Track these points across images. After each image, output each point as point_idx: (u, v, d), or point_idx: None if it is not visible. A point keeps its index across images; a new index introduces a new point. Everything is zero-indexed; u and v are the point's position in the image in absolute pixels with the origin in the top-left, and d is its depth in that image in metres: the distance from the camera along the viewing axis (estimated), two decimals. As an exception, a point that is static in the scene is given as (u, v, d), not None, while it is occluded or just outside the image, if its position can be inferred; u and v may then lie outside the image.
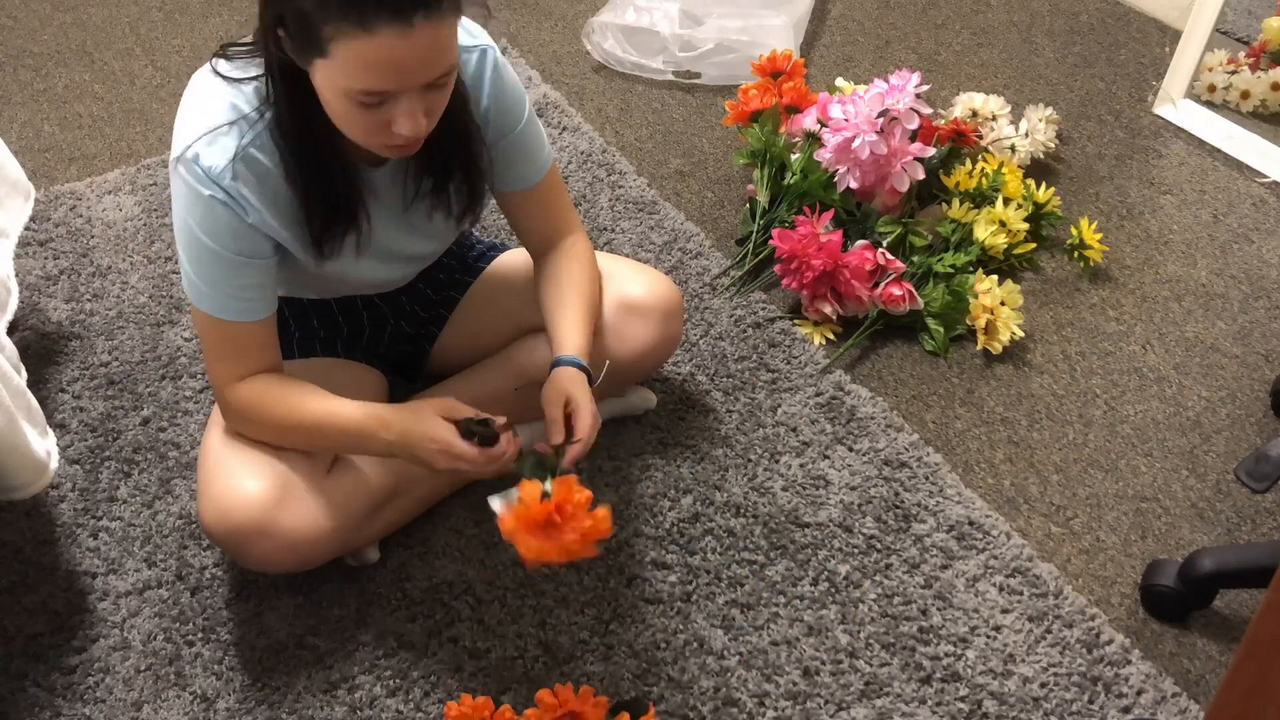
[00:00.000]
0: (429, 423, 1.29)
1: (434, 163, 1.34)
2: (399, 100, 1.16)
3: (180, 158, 1.23)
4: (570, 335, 1.41)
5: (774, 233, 1.87)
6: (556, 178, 1.49)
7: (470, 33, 1.35)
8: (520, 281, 1.59)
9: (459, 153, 1.34)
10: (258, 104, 1.23)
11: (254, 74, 1.23)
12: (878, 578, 1.52)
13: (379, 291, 1.54)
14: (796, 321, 1.88)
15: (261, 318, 1.33)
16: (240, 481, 1.34)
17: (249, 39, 1.25)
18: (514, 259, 1.63)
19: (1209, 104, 2.31)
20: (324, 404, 1.35)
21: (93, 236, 1.99)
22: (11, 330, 1.57)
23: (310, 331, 1.53)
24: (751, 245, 1.97)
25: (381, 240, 1.38)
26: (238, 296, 1.30)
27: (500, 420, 1.30)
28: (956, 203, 1.97)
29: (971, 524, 1.58)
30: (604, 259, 1.58)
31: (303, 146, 1.24)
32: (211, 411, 1.45)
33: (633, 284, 1.57)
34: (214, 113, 1.23)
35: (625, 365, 1.55)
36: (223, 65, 1.25)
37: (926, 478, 1.64)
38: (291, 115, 1.22)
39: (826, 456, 1.67)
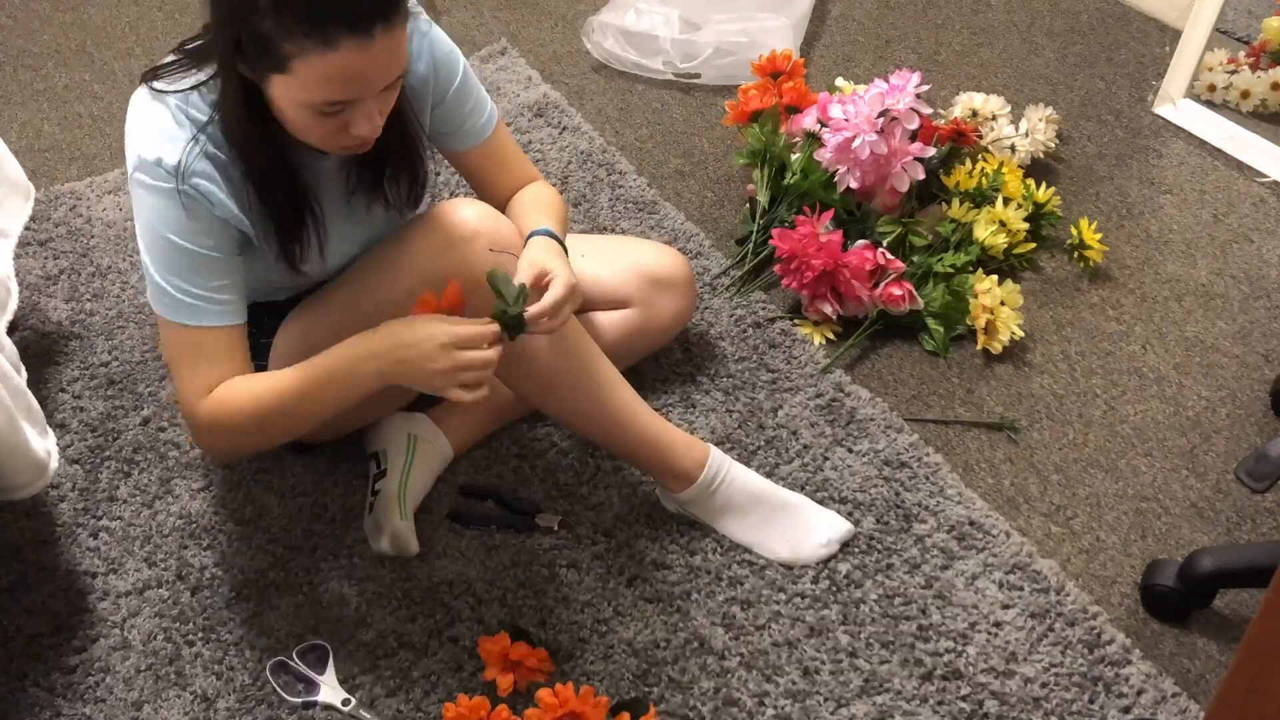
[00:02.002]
0: (423, 320, 1.25)
1: (366, 158, 1.36)
2: (357, 105, 1.20)
3: (139, 165, 1.25)
4: (540, 219, 1.44)
5: (774, 233, 1.87)
6: (504, 132, 1.53)
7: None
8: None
9: (393, 143, 1.36)
10: (205, 108, 1.25)
11: (190, 84, 1.26)
12: (879, 577, 1.52)
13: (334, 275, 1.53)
14: (796, 321, 1.88)
15: (235, 322, 1.33)
16: None
17: (174, 57, 1.28)
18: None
19: (1209, 104, 2.31)
20: (297, 367, 1.31)
21: (93, 236, 1.99)
22: (11, 330, 1.57)
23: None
24: (751, 245, 1.97)
25: (332, 231, 1.39)
26: (212, 299, 1.30)
27: (488, 328, 1.26)
28: (956, 203, 1.97)
29: (972, 524, 1.58)
30: (614, 237, 1.68)
31: (254, 147, 1.26)
32: None
33: (653, 258, 1.67)
34: (163, 121, 1.25)
35: (655, 334, 1.68)
36: (158, 84, 1.27)
37: (927, 478, 1.64)
38: (240, 122, 1.24)
39: (827, 457, 1.67)
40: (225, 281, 1.31)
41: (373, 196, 1.41)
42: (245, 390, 1.32)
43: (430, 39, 1.39)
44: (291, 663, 1.41)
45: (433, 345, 1.24)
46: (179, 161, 1.24)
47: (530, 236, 1.40)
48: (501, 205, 1.52)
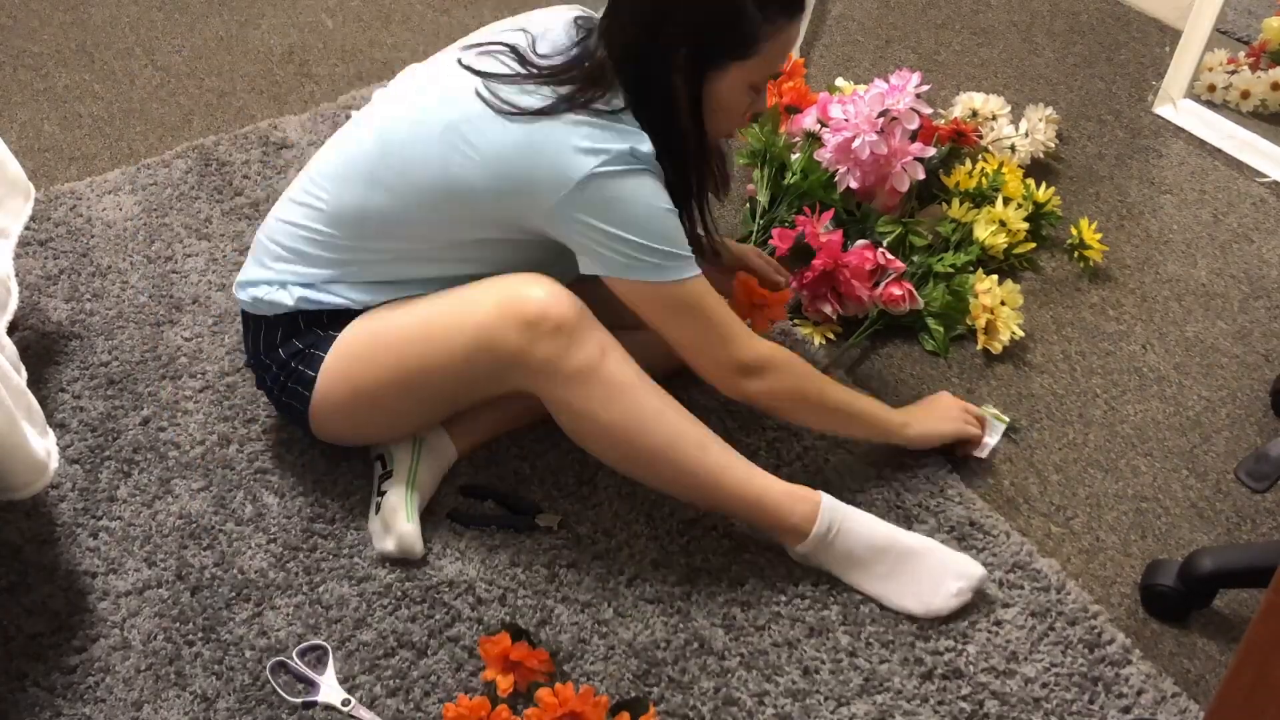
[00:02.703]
0: (945, 405, 1.66)
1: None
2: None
3: (610, 159, 1.33)
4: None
5: (774, 232, 1.87)
6: None
7: None
8: None
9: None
10: (635, 124, 1.38)
11: (588, 89, 1.37)
12: (878, 578, 1.52)
13: None
14: (796, 321, 1.88)
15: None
16: None
17: (569, 88, 1.37)
18: None
19: (1209, 104, 2.31)
20: (850, 395, 1.59)
21: (93, 236, 1.99)
22: (11, 330, 1.57)
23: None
24: (751, 245, 1.97)
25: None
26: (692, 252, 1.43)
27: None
28: (956, 202, 1.97)
29: (972, 524, 1.58)
30: None
31: (692, 145, 1.45)
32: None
33: None
34: (603, 127, 1.35)
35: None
36: (578, 108, 1.36)
37: (927, 478, 1.64)
38: (689, 121, 1.41)
39: (828, 459, 1.67)
40: None
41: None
42: (804, 378, 1.52)
43: None
44: (291, 663, 1.41)
45: (961, 424, 1.67)
46: (650, 149, 1.36)
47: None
48: None
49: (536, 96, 1.36)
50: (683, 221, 1.44)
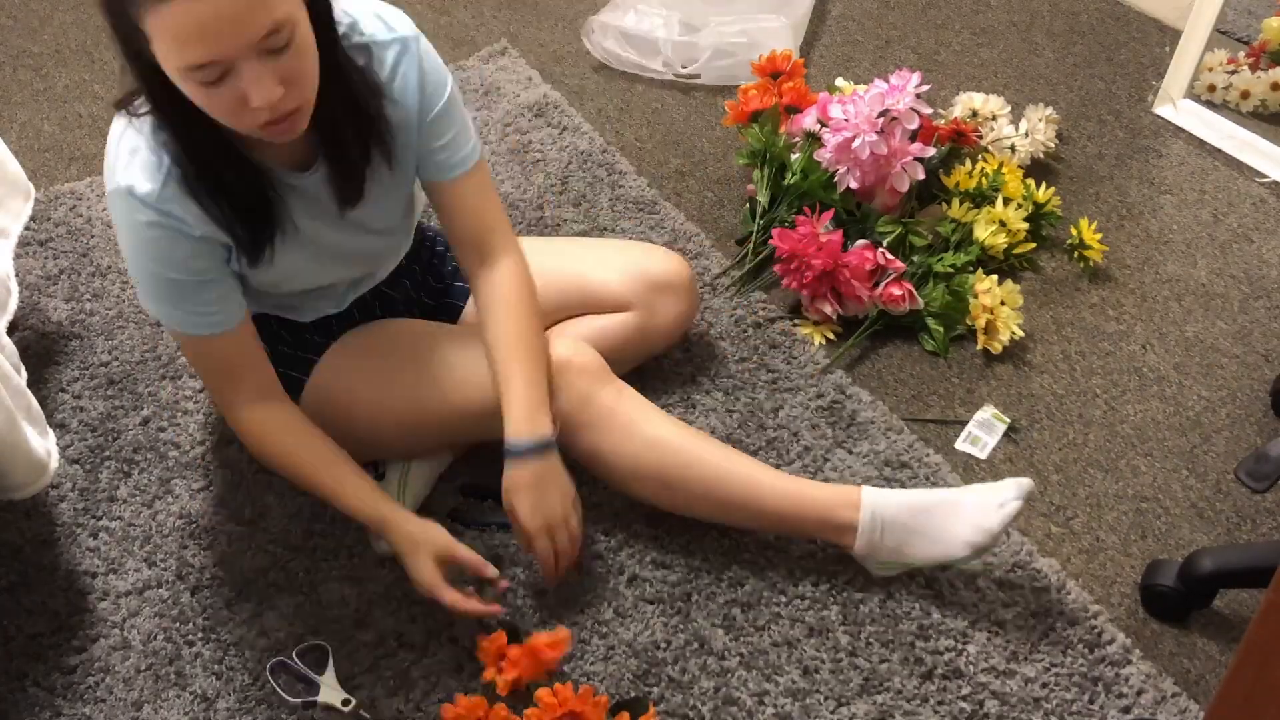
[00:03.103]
0: (421, 565, 1.36)
1: (345, 165, 1.32)
2: (239, 71, 1.11)
3: (114, 190, 1.24)
4: (518, 403, 1.41)
5: (774, 232, 1.87)
6: (485, 177, 1.47)
7: (389, 25, 1.33)
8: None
9: (364, 151, 1.33)
10: (153, 122, 1.23)
11: (147, 107, 1.23)
12: (880, 578, 1.52)
13: (376, 265, 1.55)
14: (796, 321, 1.88)
15: (237, 322, 1.34)
16: None
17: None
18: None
19: (1209, 104, 2.31)
20: (334, 481, 1.39)
21: (93, 236, 1.99)
22: (11, 330, 1.57)
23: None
24: (752, 245, 1.97)
25: (330, 242, 1.39)
26: (206, 313, 1.31)
27: (496, 578, 1.40)
28: (956, 203, 1.97)
29: (972, 524, 1.58)
30: (615, 240, 1.69)
31: (199, 154, 1.23)
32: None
33: (654, 262, 1.66)
34: (133, 146, 1.24)
35: (656, 339, 1.68)
36: (129, 107, 1.25)
37: (927, 478, 1.64)
38: (173, 126, 1.21)
39: (827, 458, 1.67)
40: (215, 295, 1.31)
41: (362, 206, 1.39)
42: (277, 442, 1.39)
43: (420, 67, 1.34)
44: (291, 663, 1.41)
45: (418, 587, 1.38)
46: (149, 189, 1.22)
47: (517, 455, 1.39)
48: (465, 256, 1.48)
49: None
50: (259, 250, 1.31)
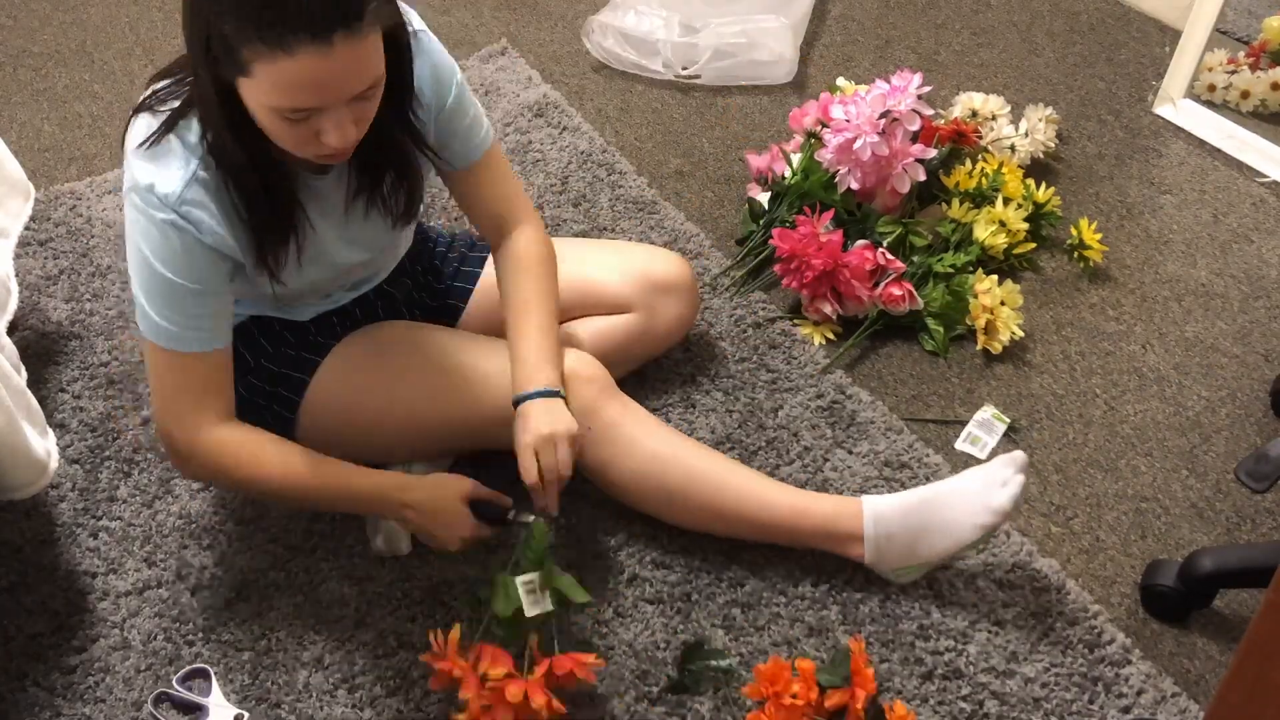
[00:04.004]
0: (454, 510, 1.38)
1: (366, 165, 1.34)
2: (326, 113, 1.17)
3: (133, 187, 1.24)
4: (539, 360, 1.42)
5: (774, 232, 1.87)
6: (500, 156, 1.50)
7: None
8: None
9: (392, 154, 1.35)
10: (198, 128, 1.24)
11: (185, 102, 1.24)
12: (878, 577, 1.52)
13: (360, 276, 1.54)
14: (796, 321, 1.88)
15: (218, 346, 1.33)
16: None
17: (167, 81, 1.26)
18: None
19: (1209, 104, 2.31)
20: (330, 464, 1.37)
21: (93, 236, 1.99)
22: (11, 330, 1.57)
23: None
24: (751, 245, 1.97)
25: (324, 248, 1.38)
26: (196, 326, 1.30)
27: (507, 501, 1.43)
28: (956, 203, 1.97)
29: (972, 524, 1.58)
30: (616, 242, 1.69)
31: (239, 161, 1.24)
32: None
33: (655, 263, 1.66)
34: (159, 147, 1.24)
35: (657, 340, 1.68)
36: (156, 102, 1.25)
37: (927, 478, 1.64)
38: (224, 132, 1.22)
39: (827, 459, 1.67)
40: (210, 310, 1.31)
41: (369, 209, 1.40)
42: (253, 454, 1.35)
43: (429, 58, 1.36)
44: (174, 691, 1.39)
45: (456, 537, 1.39)
46: (171, 190, 1.23)
47: (526, 399, 1.39)
48: (488, 233, 1.52)
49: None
50: (263, 244, 1.30)
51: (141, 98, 1.27)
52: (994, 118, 2.15)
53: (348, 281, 1.51)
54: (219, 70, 1.16)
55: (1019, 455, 1.44)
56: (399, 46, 1.24)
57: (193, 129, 1.24)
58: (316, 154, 1.22)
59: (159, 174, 1.23)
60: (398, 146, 1.35)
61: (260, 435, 1.36)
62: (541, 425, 1.37)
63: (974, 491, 1.43)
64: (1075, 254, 2.00)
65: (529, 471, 1.38)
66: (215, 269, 1.29)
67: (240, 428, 1.36)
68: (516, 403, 1.40)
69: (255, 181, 1.26)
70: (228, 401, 1.36)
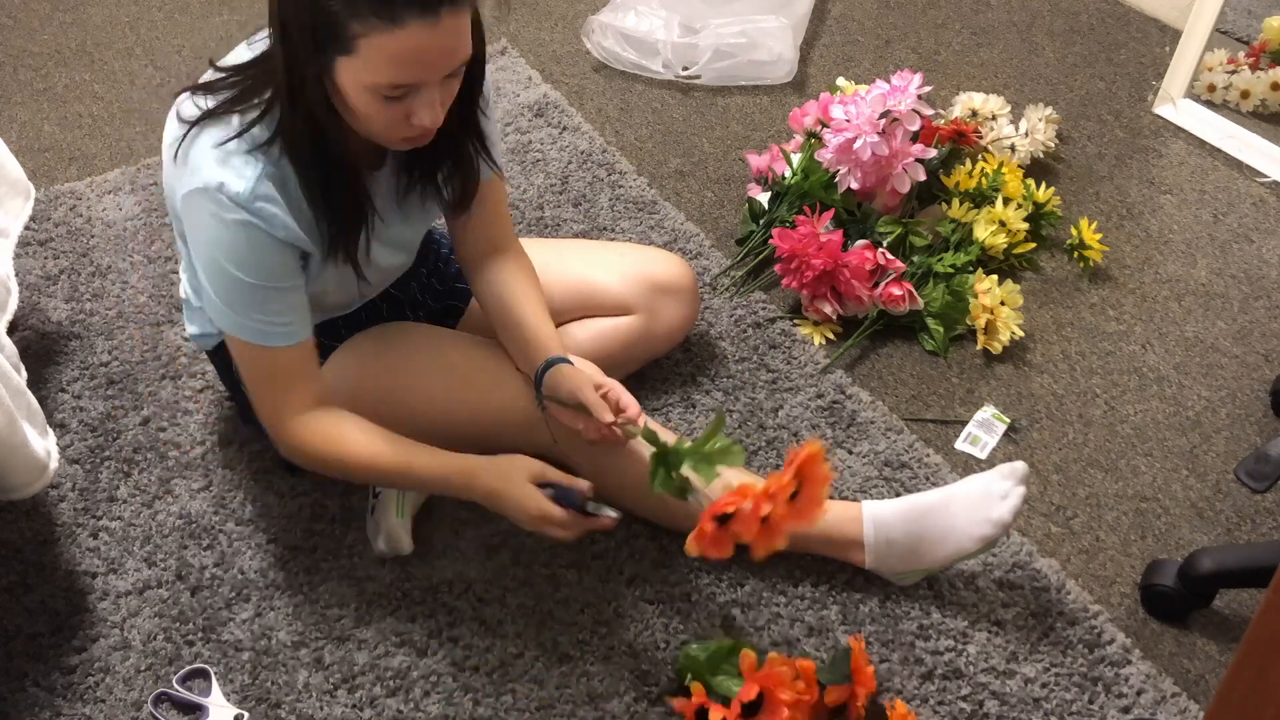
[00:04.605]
0: (522, 489, 1.33)
1: (424, 153, 1.35)
2: (420, 92, 1.18)
3: (201, 189, 1.22)
4: (555, 338, 1.45)
5: (774, 232, 1.87)
6: (502, 189, 1.51)
7: None
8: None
9: (448, 143, 1.35)
10: (262, 122, 1.23)
11: (244, 97, 1.24)
12: (878, 577, 1.52)
13: (391, 280, 1.55)
14: (796, 321, 1.88)
15: (302, 339, 1.33)
16: None
17: (220, 74, 1.26)
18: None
19: (1209, 104, 2.31)
20: (404, 453, 1.36)
21: (93, 236, 1.99)
22: (11, 330, 1.57)
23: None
24: (751, 245, 1.97)
25: (389, 232, 1.40)
26: (276, 323, 1.30)
27: (585, 485, 1.35)
28: (956, 203, 1.97)
29: (972, 524, 1.58)
30: (617, 243, 1.69)
31: (312, 155, 1.24)
32: None
33: (657, 265, 1.66)
34: (223, 146, 1.23)
35: (658, 342, 1.68)
36: (211, 98, 1.25)
37: (927, 478, 1.64)
38: (299, 125, 1.22)
39: (827, 458, 1.67)
40: (287, 305, 1.31)
41: (425, 197, 1.40)
42: (340, 443, 1.35)
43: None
44: (174, 691, 1.39)
45: (526, 515, 1.33)
46: (242, 188, 1.22)
47: (552, 365, 1.41)
48: (470, 255, 1.50)
49: (193, 107, 1.27)
50: (338, 238, 1.31)
51: (192, 87, 1.27)
52: (994, 118, 2.15)
53: (382, 286, 1.52)
54: (314, 54, 1.15)
55: (1020, 466, 1.44)
56: (480, 30, 1.26)
57: (255, 122, 1.23)
58: (401, 136, 1.23)
59: (226, 173, 1.22)
60: (452, 133, 1.34)
61: (344, 419, 1.37)
62: (591, 370, 1.40)
63: (974, 500, 1.43)
64: (1075, 254, 2.00)
65: (601, 406, 1.36)
66: (288, 263, 1.29)
67: (329, 413, 1.37)
68: (544, 369, 1.40)
69: (328, 173, 1.26)
70: (317, 387, 1.37)
